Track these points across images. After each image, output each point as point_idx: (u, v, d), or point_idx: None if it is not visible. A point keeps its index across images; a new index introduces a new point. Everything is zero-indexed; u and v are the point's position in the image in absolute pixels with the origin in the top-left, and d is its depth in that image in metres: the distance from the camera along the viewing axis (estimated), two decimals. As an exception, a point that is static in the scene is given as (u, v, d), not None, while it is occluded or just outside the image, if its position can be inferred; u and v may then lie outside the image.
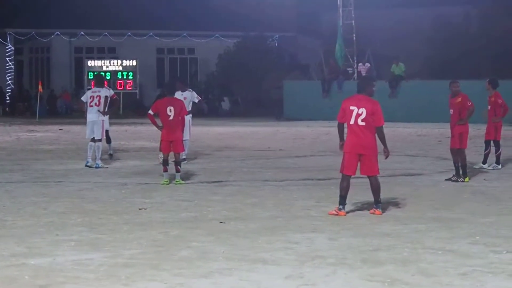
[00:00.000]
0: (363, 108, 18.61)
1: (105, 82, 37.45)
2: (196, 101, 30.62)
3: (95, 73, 62.76)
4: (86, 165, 28.62)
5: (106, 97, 29.21)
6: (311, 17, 69.40)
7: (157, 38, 73.20)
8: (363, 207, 19.11)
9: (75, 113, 54.99)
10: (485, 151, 28.72)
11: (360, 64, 57.10)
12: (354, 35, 60.81)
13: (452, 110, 25.88)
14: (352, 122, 18.59)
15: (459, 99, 25.78)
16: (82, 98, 30.39)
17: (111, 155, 30.62)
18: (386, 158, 18.98)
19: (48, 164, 30.62)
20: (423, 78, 55.96)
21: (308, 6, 69.36)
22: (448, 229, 17.43)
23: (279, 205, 20.74)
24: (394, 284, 12.48)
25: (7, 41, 71.49)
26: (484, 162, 28.36)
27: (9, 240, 15.92)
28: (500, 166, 28.52)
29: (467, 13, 68.13)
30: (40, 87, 65.35)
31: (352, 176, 18.90)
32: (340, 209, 18.68)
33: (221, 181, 25.63)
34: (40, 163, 31.22)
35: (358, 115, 18.57)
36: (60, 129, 48.94)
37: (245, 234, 16.61)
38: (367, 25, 62.34)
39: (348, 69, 57.45)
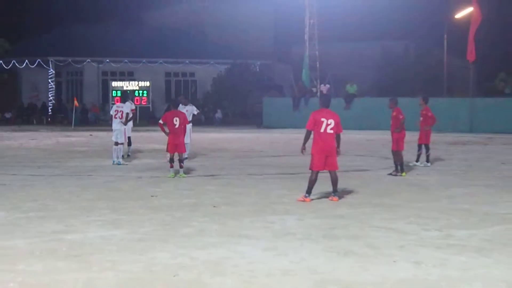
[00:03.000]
0: (332, 120, 19.04)
1: (136, 99, 38.75)
2: (195, 113, 30.80)
3: (119, 91, 62.81)
4: (114, 163, 28.68)
5: (127, 113, 29.49)
6: (284, 48, 69.21)
7: (165, 64, 73.06)
8: (324, 195, 19.18)
9: (102, 122, 54.64)
10: (418, 152, 28.85)
11: (322, 84, 57.03)
12: (317, 62, 60.50)
13: (391, 121, 26.07)
14: (322, 130, 18.91)
15: (394, 113, 25.94)
16: (111, 112, 30.48)
17: (128, 155, 30.66)
18: (337, 156, 19.12)
19: (81, 162, 30.63)
20: (372, 95, 55.80)
21: (282, 40, 69.10)
22: (389, 212, 17.73)
23: (259, 193, 20.95)
24: (347, 255, 12.78)
25: (49, 67, 71.36)
26: (417, 161, 28.53)
27: (51, 220, 16.39)
28: (429, 164, 28.69)
29: (407, 46, 68.20)
30: (76, 102, 65.65)
31: (318, 172, 19.09)
32: (306, 197, 19.07)
33: (215, 175, 25.71)
34: (75, 160, 31.22)
35: (327, 125, 18.95)
36: (90, 135, 48.67)
37: (233, 216, 16.95)
38: (328, 54, 62.02)
39: (313, 88, 57.32)
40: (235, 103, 68.15)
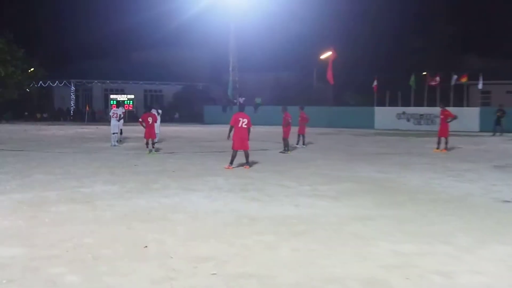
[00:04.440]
0: (245, 119, 19.10)
1: (125, 106, 39.77)
2: (160, 114, 30.57)
3: (115, 101, 63.69)
4: (111, 145, 28.65)
5: (119, 114, 29.85)
6: (218, 75, 69.05)
7: (144, 84, 72.99)
8: (240, 165, 19.23)
9: (104, 120, 54.43)
10: (297, 138, 28.90)
11: (240, 98, 57.07)
12: (237, 84, 60.61)
13: (282, 120, 26.30)
14: (239, 125, 18.98)
15: (284, 115, 26.20)
16: (110, 114, 30.79)
17: (120, 140, 30.50)
18: (248, 141, 19.40)
19: (90, 144, 30.23)
20: (270, 105, 55.67)
21: (217, 69, 68.95)
22: (280, 175, 17.70)
23: (201, 164, 20.86)
24: (254, 200, 12.99)
25: (71, 85, 71.24)
26: (297, 144, 28.53)
27: (71, 180, 16.49)
28: (305, 146, 28.65)
29: (292, 75, 68.38)
30: (88, 107, 66.58)
31: (237, 151, 19.16)
32: (230, 165, 18.99)
33: (173, 152, 25.52)
34: (87, 143, 30.81)
35: (242, 122, 19.00)
36: (96, 128, 48.20)
37: (185, 177, 16.93)
38: (244, 79, 62.04)
39: (235, 100, 57.34)
40: (187, 109, 68.06)
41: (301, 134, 29.46)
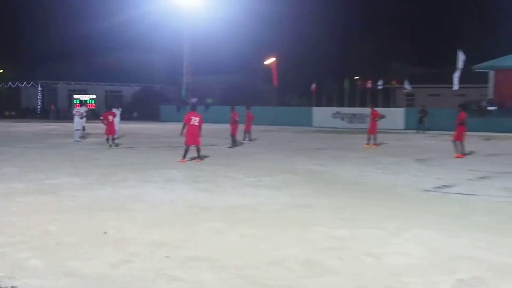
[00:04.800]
0: (197, 117, 19.05)
1: (87, 105, 39.50)
2: (119, 112, 30.24)
3: (78, 100, 62.93)
4: (74, 141, 28.19)
5: (82, 112, 29.56)
6: (173, 77, 68.48)
7: (105, 85, 72.17)
8: (192, 158, 19.16)
9: (68, 118, 53.46)
10: (244, 135, 28.93)
11: (192, 98, 56.84)
12: (190, 86, 60.43)
13: (230, 119, 26.37)
14: (191, 123, 18.87)
15: (232, 114, 26.21)
16: (73, 112, 30.42)
17: (83, 136, 30.04)
18: (200, 137, 19.42)
19: (55, 140, 29.72)
20: (220, 105, 55.66)
21: (172, 72, 68.46)
22: (228, 168, 17.72)
23: (158, 157, 20.80)
24: (205, 191, 12.97)
25: (38, 86, 70.10)
26: (244, 139, 28.57)
27: (38, 172, 16.27)
28: (250, 141, 28.75)
29: (240, 77, 68.39)
30: (53, 106, 65.41)
31: (190, 146, 19.10)
32: (183, 159, 18.91)
33: (132, 147, 25.36)
34: (52, 139, 30.29)
35: (195, 120, 18.92)
36: (60, 125, 47.49)
37: (142, 170, 16.85)
38: (197, 81, 61.83)
39: (187, 100, 57.04)
40: (145, 108, 67.36)
41: (247, 131, 29.49)
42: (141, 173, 16.10)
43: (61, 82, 71.93)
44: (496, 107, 45.79)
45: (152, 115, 62.97)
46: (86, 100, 63.59)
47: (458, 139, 22.13)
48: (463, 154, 21.96)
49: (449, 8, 77.94)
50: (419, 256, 7.62)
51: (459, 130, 22.13)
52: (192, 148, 19.34)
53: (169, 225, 9.38)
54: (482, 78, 51.53)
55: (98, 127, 31.51)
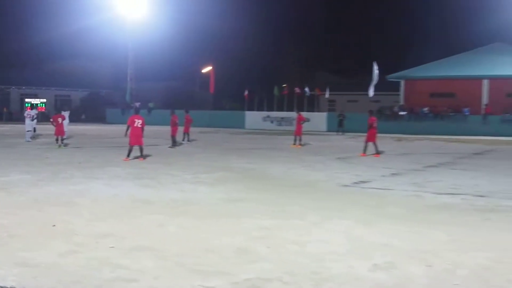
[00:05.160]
0: (140, 120, 18.94)
1: (38, 108, 38.54)
2: (68, 114, 29.60)
3: (29, 103, 61.08)
4: (26, 141, 27.40)
5: (33, 115, 28.75)
6: (119, 83, 67.36)
7: (55, 90, 70.14)
8: (136, 157, 18.92)
9: (20, 120, 51.78)
10: (183, 136, 28.76)
11: (136, 102, 55.98)
12: (134, 91, 59.64)
13: (170, 121, 26.16)
14: (135, 125, 18.72)
15: (172, 117, 26.01)
16: (25, 114, 29.48)
17: (34, 137, 29.23)
18: (143, 138, 19.29)
19: (8, 140, 28.86)
20: (162, 108, 55.11)
21: (118, 78, 67.22)
22: (169, 166, 17.64)
23: (104, 156, 20.48)
24: (148, 187, 12.79)
25: (-9, 91, 68.09)
26: (183, 140, 28.36)
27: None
28: (189, 142, 28.62)
29: (180, 84, 67.78)
30: (5, 109, 63.08)
31: (133, 146, 18.88)
32: (127, 157, 18.73)
33: (80, 147, 24.89)
34: (4, 140, 29.37)
35: (138, 122, 18.80)
36: (12, 126, 46.06)
37: (89, 168, 16.56)
38: (141, 87, 61.08)
39: (132, 104, 56.08)
40: (93, 111, 65.82)
41: (186, 132, 29.37)
42: (88, 171, 15.81)
43: (13, 87, 69.71)
44: (406, 112, 47.07)
45: (98, 118, 61.78)
46: (37, 104, 61.58)
47: (370, 140, 22.69)
48: (378, 153, 22.49)
49: (367, 25, 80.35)
50: (339, 244, 7.74)
51: (370, 132, 22.69)
52: (136, 148, 19.14)
53: (114, 217, 9.26)
54: (394, 86, 52.83)
55: (48, 128, 30.74)
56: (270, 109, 53.76)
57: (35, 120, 30.59)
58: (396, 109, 48.44)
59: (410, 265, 6.76)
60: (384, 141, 32.59)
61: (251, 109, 54.52)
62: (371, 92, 39.67)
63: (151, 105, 57.82)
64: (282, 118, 50.70)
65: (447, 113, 45.73)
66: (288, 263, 6.74)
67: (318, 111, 56.51)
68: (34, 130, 30.29)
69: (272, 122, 51.22)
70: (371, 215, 9.86)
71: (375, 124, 22.73)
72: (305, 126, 28.75)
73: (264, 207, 10.50)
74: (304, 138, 28.71)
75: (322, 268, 6.56)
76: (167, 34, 60.05)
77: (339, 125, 44.05)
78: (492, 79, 47.88)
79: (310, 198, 11.65)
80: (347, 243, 7.78)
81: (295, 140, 27.73)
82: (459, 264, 6.80)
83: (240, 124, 51.45)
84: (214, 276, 6.18)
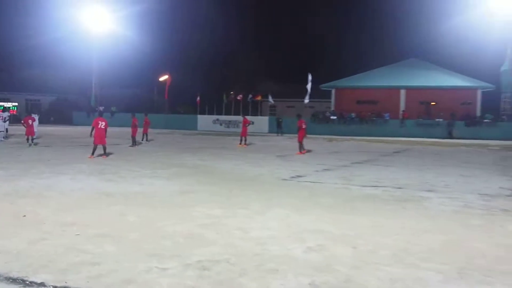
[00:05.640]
0: (103, 122, 18.59)
1: (10, 111, 36.98)
2: (38, 117, 28.81)
3: (2, 107, 58.73)
4: None
5: (5, 117, 27.88)
6: (84, 88, 65.67)
7: (26, 95, 67.99)
8: (100, 155, 18.55)
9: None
10: (143, 136, 28.43)
11: (100, 106, 55.05)
12: (98, 97, 58.49)
13: (131, 123, 25.76)
14: (99, 126, 18.40)
15: (132, 119, 25.65)
16: None
17: (6, 137, 28.24)
18: (106, 138, 18.94)
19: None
20: (124, 112, 54.21)
21: (83, 85, 65.39)
22: (129, 162, 17.27)
23: (71, 154, 19.95)
24: (111, 181, 12.53)
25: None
26: (142, 140, 27.98)
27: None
28: (148, 142, 28.25)
29: (139, 90, 66.85)
30: None
31: (97, 145, 18.49)
32: (91, 155, 18.35)
33: (49, 146, 24.19)
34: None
35: (101, 124, 18.47)
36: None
37: (57, 164, 16.10)
38: (105, 92, 59.97)
39: (96, 108, 55.11)
40: (59, 114, 63.88)
41: (145, 133, 29.06)
42: (56, 167, 15.39)
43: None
44: (336, 117, 47.78)
45: (66, 120, 60.26)
46: (9, 107, 59.64)
47: (300, 140, 23.01)
48: (303, 151, 22.79)
49: (305, 42, 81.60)
50: (278, 230, 7.79)
51: (300, 133, 23.03)
52: (99, 146, 18.77)
53: (79, 208, 9.05)
54: (327, 94, 53.60)
55: (20, 129, 29.75)
56: (219, 113, 53.84)
57: (7, 122, 29.65)
58: (328, 114, 49.12)
59: (338, 247, 6.86)
60: (318, 141, 33.03)
61: (202, 113, 54.42)
62: (306, 99, 40.15)
63: (113, 109, 56.90)
64: (230, 121, 50.68)
65: (371, 117, 46.69)
66: (234, 247, 6.74)
67: (261, 115, 56.79)
68: (7, 130, 29.32)
69: (221, 124, 51.14)
70: (306, 204, 9.96)
71: (303, 126, 23.05)
72: (250, 128, 28.88)
73: (213, 198, 10.47)
74: (249, 139, 28.83)
75: (263, 251, 6.59)
76: (129, 46, 59.23)
77: (278, 127, 44.40)
78: (408, 89, 49.20)
79: (254, 190, 11.68)
80: (285, 229, 7.83)
81: (241, 140, 27.77)
82: (380, 246, 6.95)
83: (193, 126, 51.25)
84: (169, 259, 6.13)
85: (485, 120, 43.96)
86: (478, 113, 46.73)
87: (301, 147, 22.92)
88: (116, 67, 62.71)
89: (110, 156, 19.35)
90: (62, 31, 56.22)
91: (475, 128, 43.12)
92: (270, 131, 46.30)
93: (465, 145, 33.52)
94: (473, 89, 47.87)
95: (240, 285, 5.35)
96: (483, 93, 47.99)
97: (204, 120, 52.35)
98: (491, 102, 47.59)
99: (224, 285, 5.32)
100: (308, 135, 25.37)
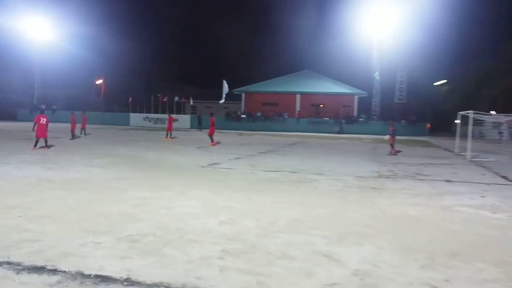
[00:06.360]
0: (45, 118, 17.60)
1: None
2: None
3: None
4: None
5: None
6: (28, 88, 61.05)
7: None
8: (42, 147, 17.46)
9: None
10: (81, 130, 27.05)
11: (42, 105, 51.64)
12: (40, 96, 54.85)
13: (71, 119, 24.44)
14: (41, 122, 17.35)
15: (71, 116, 24.33)
16: None
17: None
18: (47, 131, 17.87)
19: None
20: (64, 110, 51.28)
21: (28, 85, 60.84)
22: (69, 153, 16.34)
23: (15, 147, 18.45)
24: (50, 169, 11.81)
25: None
26: (80, 134, 26.66)
27: None
28: (86, 136, 26.96)
29: (79, 90, 63.21)
30: None
31: (40, 138, 17.38)
32: (34, 147, 17.24)
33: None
34: None
35: (43, 120, 17.42)
36: None
37: (1, 155, 14.80)
38: (47, 92, 56.38)
39: (38, 106, 51.65)
40: (5, 111, 58.29)
41: (83, 128, 27.75)
42: (1, 158, 14.26)
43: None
44: (245, 115, 48.19)
45: (11, 116, 56.00)
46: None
47: (210, 134, 23.25)
48: (213, 143, 22.99)
49: (222, 52, 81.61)
50: (196, 207, 7.75)
51: (211, 128, 23.31)
52: (41, 139, 17.68)
53: (22, 193, 8.47)
54: (238, 97, 53.88)
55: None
56: (149, 111, 52.57)
57: None
58: (239, 113, 49.45)
59: (246, 220, 6.95)
60: (230, 135, 33.15)
61: (134, 111, 52.89)
62: (221, 101, 40.14)
63: (54, 107, 53.69)
64: (158, 118, 49.63)
65: (273, 116, 47.57)
66: (159, 222, 6.63)
67: (184, 113, 56.03)
68: None
69: (150, 121, 49.93)
70: (220, 186, 9.97)
71: (214, 122, 23.52)
72: (175, 125, 28.41)
73: (143, 182, 10.21)
74: (174, 133, 28.36)
75: (184, 225, 6.54)
76: (69, 50, 56.01)
77: (198, 124, 44.11)
78: (302, 94, 50.63)
79: (177, 176, 11.52)
80: (202, 207, 7.81)
81: (167, 134, 27.30)
82: (278, 218, 7.11)
83: (126, 122, 49.71)
84: (103, 234, 5.92)
85: (360, 119, 46.22)
86: (355, 113, 49.02)
87: (211, 139, 23.13)
88: (57, 70, 59.16)
89: (51, 148, 18.22)
90: (8, 38, 52.13)
91: (353, 125, 45.16)
92: (192, 127, 45.90)
93: (345, 138, 35.03)
94: (351, 95, 50.13)
95: (164, 253, 5.28)
96: (359, 98, 50.40)
97: (136, 118, 50.86)
98: (365, 105, 50.14)
99: (151, 254, 5.23)
100: (222, 131, 25.42)
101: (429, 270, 5.00)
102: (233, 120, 46.71)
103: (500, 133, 21.78)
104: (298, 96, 50.67)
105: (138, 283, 4.41)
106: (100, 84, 57.08)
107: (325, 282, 4.57)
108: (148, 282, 4.43)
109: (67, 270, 4.66)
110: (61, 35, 53.21)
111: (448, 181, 11.98)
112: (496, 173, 14.03)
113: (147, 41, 63.61)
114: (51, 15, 52.10)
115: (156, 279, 4.50)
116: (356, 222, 7.06)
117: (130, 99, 52.16)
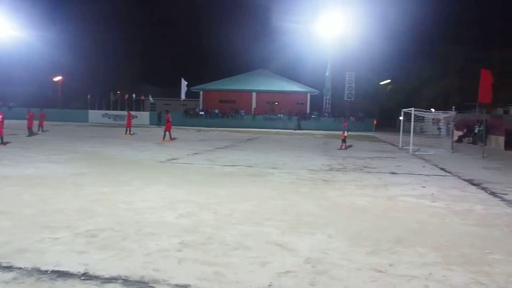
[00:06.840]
0: (0, 115, 16.89)
1: None
2: None
3: None
4: None
5: None
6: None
7: None
8: (2, 145, 16.63)
9: None
10: (38, 128, 25.88)
11: (10, 102, 49.08)
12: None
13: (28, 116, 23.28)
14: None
15: (28, 113, 23.13)
16: None
17: None
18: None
19: None
20: (21, 107, 48.95)
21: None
22: (26, 150, 15.59)
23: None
24: (6, 165, 11.24)
25: None
26: (38, 131, 25.50)
27: None
28: (44, 132, 25.83)
29: (36, 88, 60.43)
30: None
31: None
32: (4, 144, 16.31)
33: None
34: None
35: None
36: None
37: (19, 163, 13.96)
38: (4, 90, 53.63)
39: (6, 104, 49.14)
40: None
41: (40, 125, 26.54)
42: (17, 166, 13.49)
43: None
44: (203, 112, 47.84)
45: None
46: None
47: (167, 130, 23.03)
48: (171, 139, 22.74)
49: (180, 52, 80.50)
50: (155, 201, 7.62)
51: (167, 124, 23.16)
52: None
53: (-24, 190, 8.03)
54: (196, 95, 53.41)
55: None
56: (108, 108, 51.22)
57: None
58: (197, 110, 48.98)
59: (203, 213, 6.89)
60: (189, 132, 32.78)
61: (93, 108, 51.34)
62: (182, 98, 39.74)
63: (11, 104, 51.16)
64: (117, 115, 48.34)
65: (230, 113, 47.49)
66: (118, 217, 6.47)
67: (144, 111, 54.85)
68: None
69: (109, 118, 48.53)
70: (178, 181, 9.85)
71: (170, 119, 23.36)
72: (134, 121, 27.74)
73: (102, 178, 9.92)
74: (133, 129, 27.71)
75: (142, 219, 6.42)
76: (28, 48, 53.47)
77: (158, 121, 43.37)
78: (258, 92, 50.84)
79: (136, 171, 11.26)
80: (160, 201, 7.69)
81: (126, 130, 26.61)
82: (234, 210, 7.10)
83: (85, 119, 48.11)
84: (61, 230, 5.70)
85: (313, 116, 46.94)
86: (308, 110, 49.73)
87: (169, 135, 22.84)
88: (15, 67, 56.40)
89: (8, 144, 17.33)
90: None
91: (306, 121, 45.78)
92: (151, 124, 45.01)
93: (299, 134, 35.45)
94: (304, 93, 50.82)
95: (122, 247, 5.14)
96: (311, 96, 51.16)
97: (95, 114, 49.31)
98: (317, 102, 50.96)
99: (109, 248, 5.08)
100: (181, 127, 25.11)
101: (375, 255, 5.14)
102: (191, 117, 46.20)
103: (439, 129, 22.76)
104: (254, 94, 50.80)
105: (96, 277, 4.28)
106: (58, 81, 55.00)
107: (279, 271, 4.60)
108: (106, 276, 4.30)
109: (23, 267, 4.46)
110: (18, 31, 50.76)
111: (392, 173, 12.37)
112: (435, 165, 14.61)
113: (107, 39, 61.56)
114: (7, 12, 49.56)
115: (114, 273, 4.38)
116: (308, 212, 7.15)
117: (88, 96, 50.64)
